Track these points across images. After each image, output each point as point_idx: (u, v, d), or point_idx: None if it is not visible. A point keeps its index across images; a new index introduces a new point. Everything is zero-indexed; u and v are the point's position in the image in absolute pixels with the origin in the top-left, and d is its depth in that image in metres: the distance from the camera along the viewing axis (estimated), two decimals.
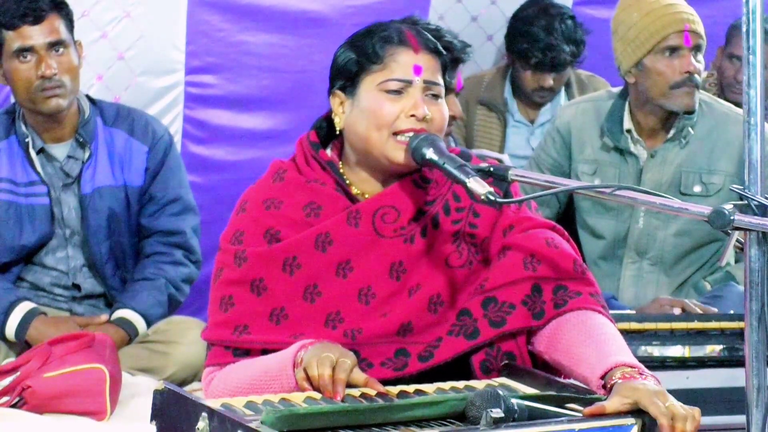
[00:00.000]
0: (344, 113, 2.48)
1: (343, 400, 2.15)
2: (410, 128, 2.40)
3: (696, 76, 3.76)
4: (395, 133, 2.41)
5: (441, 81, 2.47)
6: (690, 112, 3.80)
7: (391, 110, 2.41)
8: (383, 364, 2.38)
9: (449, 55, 2.65)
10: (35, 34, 3.64)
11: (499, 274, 2.42)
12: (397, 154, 2.41)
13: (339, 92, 2.49)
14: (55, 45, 3.65)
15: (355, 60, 2.45)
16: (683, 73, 3.74)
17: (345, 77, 2.47)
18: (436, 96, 2.45)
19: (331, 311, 2.42)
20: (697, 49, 3.75)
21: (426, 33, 2.50)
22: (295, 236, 2.44)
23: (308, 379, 2.23)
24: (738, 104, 3.91)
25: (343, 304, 2.42)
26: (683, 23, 3.73)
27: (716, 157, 3.84)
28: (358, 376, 2.23)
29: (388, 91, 2.42)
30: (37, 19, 3.63)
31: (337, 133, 2.52)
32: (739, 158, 3.71)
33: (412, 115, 2.41)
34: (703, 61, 3.79)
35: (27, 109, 3.72)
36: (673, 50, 3.75)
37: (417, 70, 2.43)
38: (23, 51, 3.64)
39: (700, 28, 3.76)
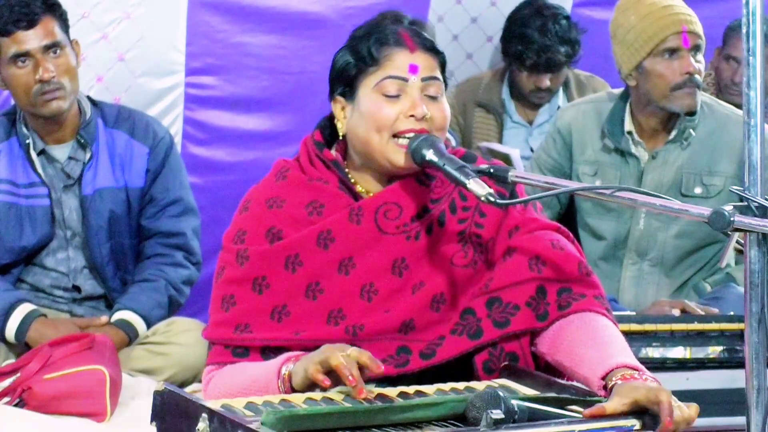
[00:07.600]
0: (346, 118, 2.49)
1: (381, 377, 2.14)
2: (410, 129, 2.41)
3: (696, 76, 3.75)
4: (396, 135, 2.41)
5: (440, 77, 2.47)
6: (692, 112, 3.80)
7: (390, 112, 2.41)
8: (385, 361, 2.36)
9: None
10: (30, 39, 3.61)
11: (504, 274, 2.42)
12: (398, 157, 2.42)
13: (340, 98, 2.49)
14: (52, 47, 3.63)
15: (353, 63, 2.46)
16: (683, 74, 3.74)
17: (344, 82, 2.48)
18: (435, 95, 2.45)
19: (333, 308, 2.42)
20: (696, 49, 3.75)
21: (423, 32, 2.50)
22: (297, 234, 2.45)
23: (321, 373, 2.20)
24: (735, 105, 3.93)
25: (345, 301, 2.42)
26: (681, 24, 3.73)
27: (717, 159, 3.84)
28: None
29: (386, 95, 2.42)
30: (31, 23, 3.61)
31: (340, 138, 2.52)
32: (739, 160, 3.71)
33: (412, 116, 2.41)
34: (703, 61, 3.79)
35: (28, 113, 3.71)
36: (672, 52, 3.74)
37: (413, 68, 2.43)
38: (20, 56, 3.62)
39: (699, 28, 3.76)
